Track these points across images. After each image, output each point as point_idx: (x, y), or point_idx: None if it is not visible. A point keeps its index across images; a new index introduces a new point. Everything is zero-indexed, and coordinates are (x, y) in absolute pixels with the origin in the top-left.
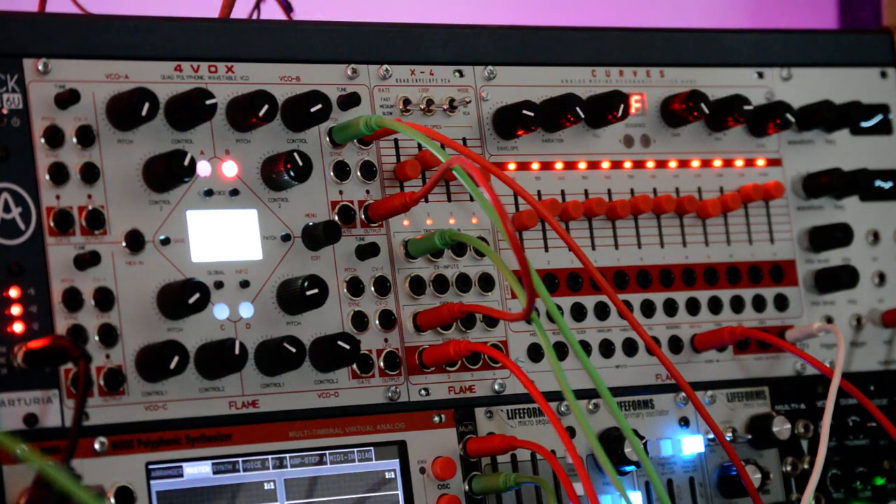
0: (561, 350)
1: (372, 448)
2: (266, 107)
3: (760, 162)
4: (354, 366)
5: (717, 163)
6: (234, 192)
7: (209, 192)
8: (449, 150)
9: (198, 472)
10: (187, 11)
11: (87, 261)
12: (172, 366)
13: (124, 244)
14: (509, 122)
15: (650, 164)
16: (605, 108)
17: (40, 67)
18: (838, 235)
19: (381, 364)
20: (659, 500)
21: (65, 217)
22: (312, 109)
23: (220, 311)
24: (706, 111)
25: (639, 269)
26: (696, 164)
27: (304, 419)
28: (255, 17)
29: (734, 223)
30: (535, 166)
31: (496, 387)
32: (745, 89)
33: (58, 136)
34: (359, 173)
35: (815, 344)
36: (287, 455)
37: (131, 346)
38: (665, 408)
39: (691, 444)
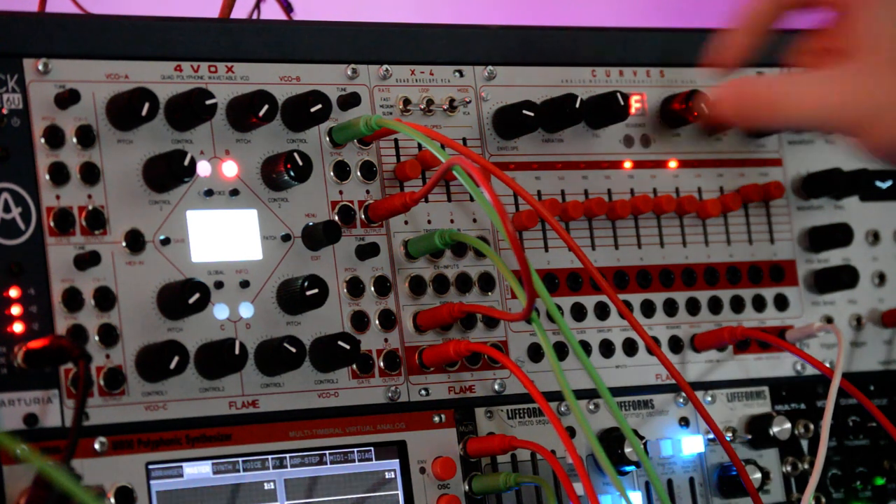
0: (561, 350)
1: (372, 448)
2: (266, 107)
3: (760, 162)
4: (354, 366)
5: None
6: (234, 192)
7: (209, 192)
8: (449, 150)
9: (198, 472)
10: (187, 11)
11: (87, 261)
12: (172, 366)
13: (124, 244)
14: (509, 122)
15: (650, 164)
16: (605, 108)
17: (40, 67)
18: (838, 235)
19: (381, 364)
20: (659, 500)
21: (65, 217)
22: (312, 109)
23: (220, 311)
24: (706, 111)
25: (639, 269)
26: (696, 164)
27: (304, 419)
28: (255, 17)
29: (734, 223)
30: (535, 166)
31: (496, 387)
32: None
33: (58, 136)
34: (359, 173)
35: (815, 344)
36: (287, 455)
37: (131, 346)
38: (665, 408)
39: (691, 444)
